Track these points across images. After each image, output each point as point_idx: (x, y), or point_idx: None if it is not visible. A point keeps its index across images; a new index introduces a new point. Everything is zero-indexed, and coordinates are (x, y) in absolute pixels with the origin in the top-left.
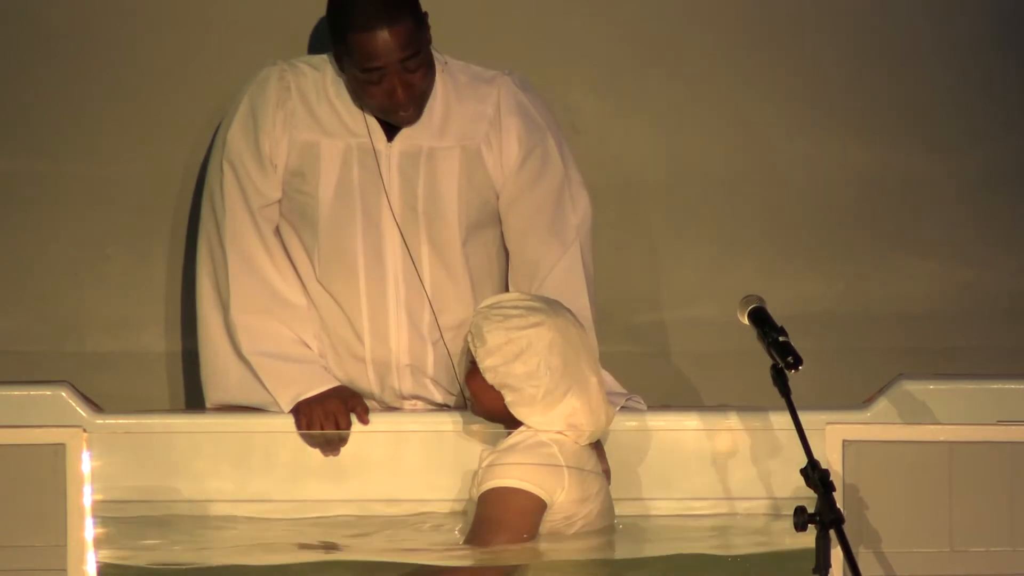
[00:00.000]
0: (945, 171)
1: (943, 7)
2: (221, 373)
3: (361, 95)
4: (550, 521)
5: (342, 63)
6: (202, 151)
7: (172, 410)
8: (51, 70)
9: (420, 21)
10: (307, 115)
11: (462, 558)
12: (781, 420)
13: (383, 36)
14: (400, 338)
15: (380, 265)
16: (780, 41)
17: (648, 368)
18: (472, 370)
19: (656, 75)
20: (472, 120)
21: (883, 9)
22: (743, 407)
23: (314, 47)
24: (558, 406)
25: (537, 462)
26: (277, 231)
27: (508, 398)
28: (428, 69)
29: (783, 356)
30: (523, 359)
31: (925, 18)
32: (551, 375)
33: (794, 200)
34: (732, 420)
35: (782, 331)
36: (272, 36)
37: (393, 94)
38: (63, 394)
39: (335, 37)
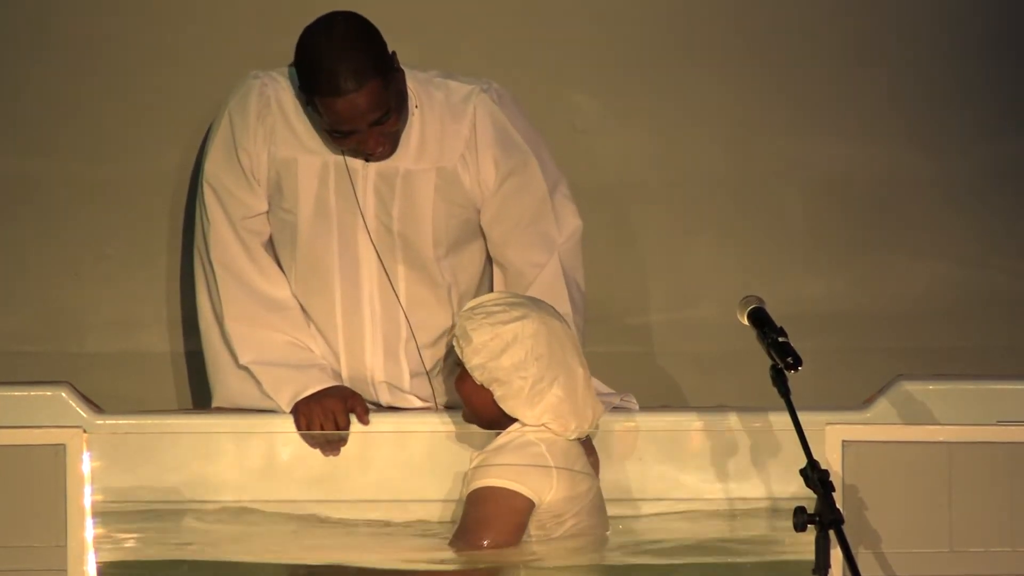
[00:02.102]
0: (944, 171)
1: (941, 9)
2: (225, 384)
3: (332, 143)
4: (539, 520)
5: (312, 110)
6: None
7: (172, 410)
8: (50, 70)
9: (387, 73)
10: (286, 130)
11: (451, 558)
12: (781, 420)
13: (351, 101)
14: (375, 355)
15: (355, 283)
16: (778, 42)
17: (648, 368)
18: (460, 373)
19: (655, 76)
20: (448, 140)
21: (881, 11)
22: (743, 407)
23: None
24: (546, 396)
25: (525, 462)
26: (270, 242)
27: (497, 393)
28: (400, 115)
29: (783, 356)
30: (510, 352)
31: (923, 20)
32: (538, 365)
33: (794, 200)
34: (732, 420)
35: (782, 331)
36: (270, 37)
37: (364, 145)
38: (63, 394)
39: (303, 89)
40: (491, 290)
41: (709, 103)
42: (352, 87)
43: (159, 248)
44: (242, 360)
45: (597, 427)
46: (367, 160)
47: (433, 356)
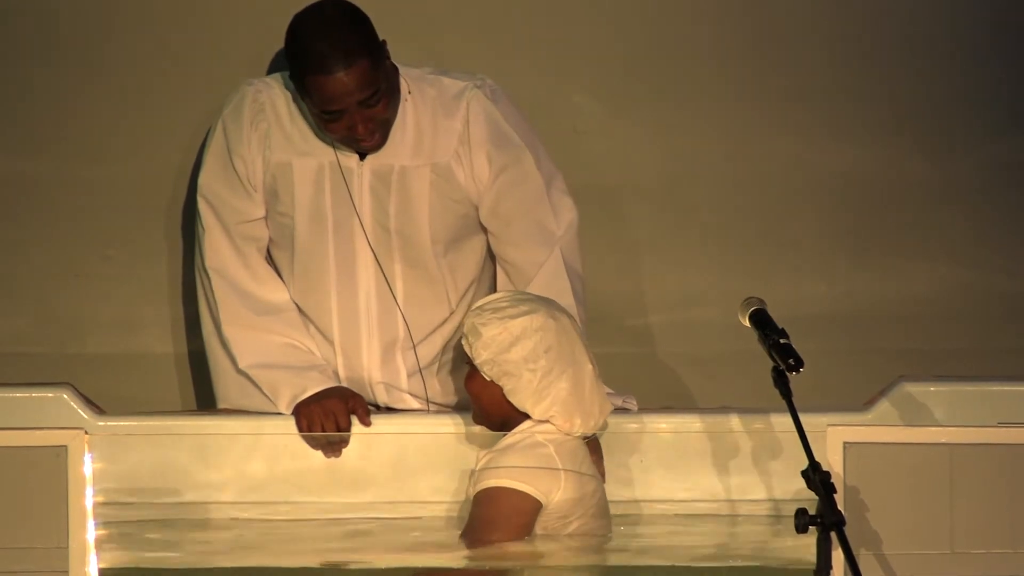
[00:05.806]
0: (944, 173)
1: (942, 9)
2: (227, 390)
3: (323, 129)
4: (546, 521)
5: (302, 96)
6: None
7: (173, 412)
8: (51, 71)
9: (377, 56)
10: (280, 135)
11: (458, 558)
12: (782, 422)
13: (339, 79)
14: (372, 356)
15: (352, 284)
16: (778, 44)
17: (648, 370)
18: (470, 372)
19: (655, 77)
20: (442, 136)
21: (882, 12)
22: (744, 409)
23: None
24: (554, 389)
25: (533, 463)
26: (270, 246)
27: (507, 387)
28: (390, 100)
29: (784, 358)
30: (520, 345)
31: (923, 21)
32: (547, 357)
33: (795, 202)
34: (733, 422)
35: (783, 333)
36: (271, 38)
37: (354, 129)
38: (65, 396)
39: (293, 74)
40: (490, 287)
41: (709, 103)
42: (342, 65)
43: (160, 248)
44: (241, 364)
45: (606, 424)
46: (359, 151)
47: (430, 355)
